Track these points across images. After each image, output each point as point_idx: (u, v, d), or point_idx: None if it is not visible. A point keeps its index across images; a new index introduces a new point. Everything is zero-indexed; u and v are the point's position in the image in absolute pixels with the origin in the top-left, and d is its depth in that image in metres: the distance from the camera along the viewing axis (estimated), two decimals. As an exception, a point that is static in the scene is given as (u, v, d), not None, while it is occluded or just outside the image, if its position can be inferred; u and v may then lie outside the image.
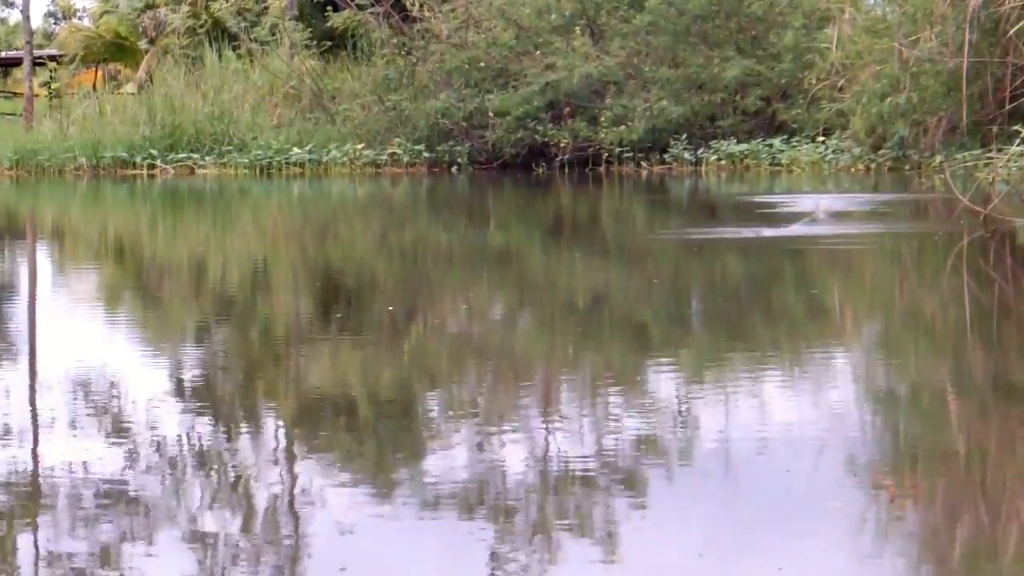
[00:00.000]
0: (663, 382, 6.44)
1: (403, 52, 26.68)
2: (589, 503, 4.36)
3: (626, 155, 24.73)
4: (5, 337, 8.30)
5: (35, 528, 4.22)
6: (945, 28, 21.25)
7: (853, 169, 22.52)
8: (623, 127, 24.42)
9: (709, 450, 4.99)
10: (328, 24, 28.41)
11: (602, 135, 24.61)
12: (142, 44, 36.89)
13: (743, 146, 24.15)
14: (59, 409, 5.93)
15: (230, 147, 26.96)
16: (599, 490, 4.49)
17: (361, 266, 12.40)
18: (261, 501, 4.47)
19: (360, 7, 26.80)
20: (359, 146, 26.06)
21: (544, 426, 5.46)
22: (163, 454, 5.10)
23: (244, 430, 5.58)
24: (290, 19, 29.14)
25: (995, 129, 19.58)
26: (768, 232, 12.95)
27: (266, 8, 31.18)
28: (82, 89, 35.50)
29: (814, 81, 23.34)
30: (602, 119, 24.74)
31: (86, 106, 30.43)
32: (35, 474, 4.87)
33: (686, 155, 24.40)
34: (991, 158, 17.12)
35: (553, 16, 26.25)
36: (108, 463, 4.93)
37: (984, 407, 5.75)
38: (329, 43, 28.41)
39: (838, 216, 14.55)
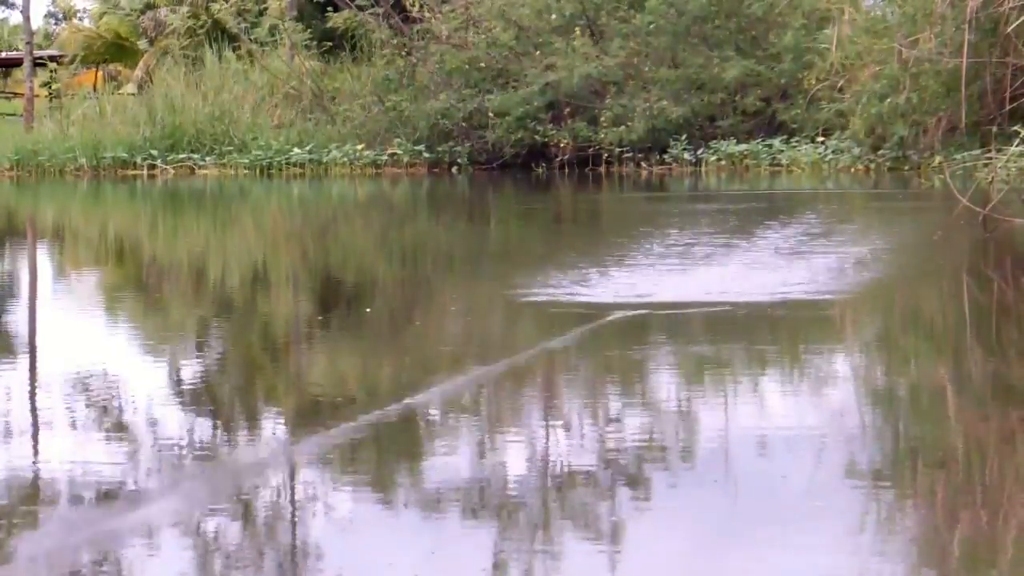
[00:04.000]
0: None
1: (403, 53, 26.68)
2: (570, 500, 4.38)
3: (626, 155, 24.73)
4: (6, 337, 8.30)
5: (35, 528, 4.23)
6: (945, 28, 21.25)
7: (853, 169, 22.52)
8: (623, 127, 24.42)
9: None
10: (328, 24, 28.38)
11: (602, 135, 24.61)
12: (142, 44, 36.88)
13: (743, 146, 24.14)
14: (58, 409, 5.94)
15: (230, 147, 26.95)
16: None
17: (359, 266, 12.41)
18: (258, 500, 4.48)
19: (360, 7, 26.78)
20: (359, 146, 26.05)
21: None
22: (161, 454, 5.10)
23: (240, 429, 5.59)
24: (290, 20, 29.13)
25: (994, 129, 19.56)
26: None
27: (266, 9, 31.16)
28: (82, 89, 35.47)
29: (814, 81, 23.34)
30: (602, 119, 24.74)
31: (86, 106, 30.39)
32: (35, 474, 4.88)
33: (686, 155, 24.39)
34: (990, 158, 17.13)
35: (553, 16, 26.24)
36: (107, 462, 4.94)
37: (984, 408, 5.75)
38: (329, 43, 28.39)
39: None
